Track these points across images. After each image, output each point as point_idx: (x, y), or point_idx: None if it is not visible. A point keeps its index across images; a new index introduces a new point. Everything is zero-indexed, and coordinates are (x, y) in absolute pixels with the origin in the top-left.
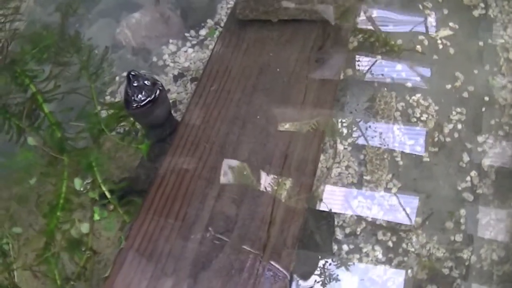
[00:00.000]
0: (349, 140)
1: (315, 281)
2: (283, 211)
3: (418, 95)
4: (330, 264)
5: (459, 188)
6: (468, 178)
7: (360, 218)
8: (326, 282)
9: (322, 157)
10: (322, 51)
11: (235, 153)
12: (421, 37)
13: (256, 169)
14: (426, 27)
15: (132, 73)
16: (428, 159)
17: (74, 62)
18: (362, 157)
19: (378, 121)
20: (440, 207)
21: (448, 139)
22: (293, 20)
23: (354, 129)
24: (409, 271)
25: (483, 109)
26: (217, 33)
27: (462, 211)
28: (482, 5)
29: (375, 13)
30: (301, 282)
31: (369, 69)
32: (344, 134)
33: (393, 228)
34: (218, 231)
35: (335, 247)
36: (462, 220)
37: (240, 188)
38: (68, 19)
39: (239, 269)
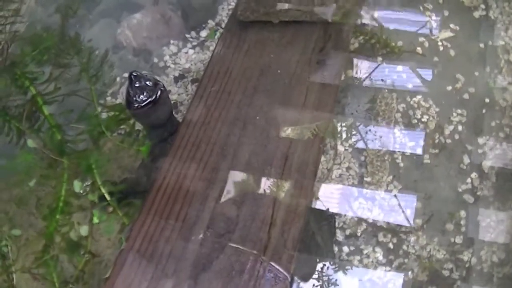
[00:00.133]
0: (350, 142)
1: (316, 282)
2: (283, 212)
3: (419, 97)
4: (330, 266)
5: (460, 190)
6: (469, 180)
7: (360, 220)
8: (326, 283)
9: (322, 158)
10: (323, 53)
11: (236, 155)
12: (421, 38)
13: (256, 170)
14: (427, 29)
15: (134, 74)
16: (428, 161)
17: (74, 64)
18: (362, 158)
19: (379, 123)
20: (441, 208)
21: (448, 141)
22: (294, 22)
23: (355, 130)
24: (410, 272)
25: (484, 111)
26: (218, 34)
27: (463, 213)
28: (482, 6)
29: (376, 14)
30: (301, 283)
31: (370, 70)
32: (344, 136)
33: (393, 229)
34: (218, 232)
35: (335, 248)
36: (462, 222)
37: (241, 190)
38: (68, 20)
39: (240, 270)
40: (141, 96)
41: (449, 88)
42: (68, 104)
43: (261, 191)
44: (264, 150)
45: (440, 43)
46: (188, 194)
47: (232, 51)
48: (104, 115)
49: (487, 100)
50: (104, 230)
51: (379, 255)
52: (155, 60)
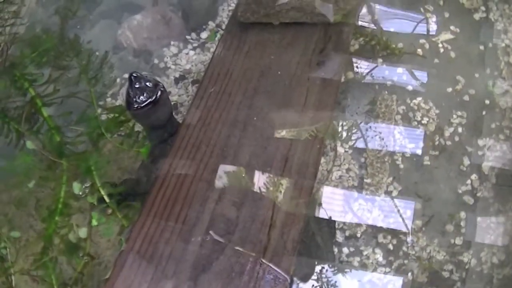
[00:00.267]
0: (350, 143)
1: (315, 283)
2: (283, 214)
3: (419, 99)
4: (330, 267)
5: (460, 192)
6: (469, 182)
7: (360, 221)
8: (326, 284)
9: (322, 160)
10: (323, 54)
11: (236, 156)
12: (422, 40)
13: (256, 172)
14: (427, 31)
15: (134, 75)
16: (428, 162)
17: (74, 66)
18: (362, 160)
19: (379, 124)
20: (441, 210)
21: (448, 143)
22: (295, 23)
23: (355, 132)
24: (410, 274)
25: (484, 113)
26: (218, 36)
27: (463, 214)
28: (483, 8)
29: (376, 16)
30: (301, 284)
31: (370, 72)
32: (344, 137)
33: (393, 231)
34: (218, 234)
35: (335, 249)
36: (462, 223)
37: (240, 191)
38: (67, 22)
39: (240, 272)
40: (141, 97)
41: (449, 89)
42: (67, 106)
43: (261, 192)
44: (264, 151)
45: (440, 45)
46: (188, 195)
47: (233, 53)
48: (103, 117)
49: (487, 102)
50: (103, 232)
51: (379, 257)
52: (156, 61)
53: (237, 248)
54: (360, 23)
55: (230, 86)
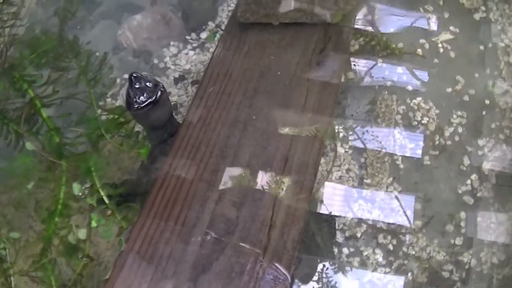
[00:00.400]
0: (350, 143)
1: (315, 284)
2: (283, 214)
3: (419, 99)
4: (330, 267)
5: (460, 192)
6: (469, 182)
7: (360, 221)
8: (326, 285)
9: (322, 160)
10: (323, 54)
11: (236, 156)
12: (422, 40)
13: (256, 172)
14: (427, 31)
15: (134, 75)
16: (428, 162)
17: (73, 67)
18: (362, 160)
19: (379, 124)
20: (441, 210)
21: (448, 143)
22: (294, 23)
23: (355, 132)
24: (410, 274)
25: (484, 113)
26: (218, 36)
27: (463, 214)
28: (483, 8)
29: (376, 16)
30: (301, 285)
31: (370, 72)
32: (344, 137)
33: (393, 231)
34: (218, 234)
35: (335, 250)
36: (462, 223)
37: (240, 191)
38: (67, 23)
39: (240, 272)
40: (141, 97)
41: (449, 90)
42: (66, 107)
43: (261, 192)
44: (264, 151)
45: (440, 45)
46: (188, 195)
47: (232, 53)
48: (103, 118)
49: (487, 102)
50: (102, 234)
51: (379, 257)
52: (155, 61)
53: (237, 248)
54: (360, 23)
55: (230, 86)
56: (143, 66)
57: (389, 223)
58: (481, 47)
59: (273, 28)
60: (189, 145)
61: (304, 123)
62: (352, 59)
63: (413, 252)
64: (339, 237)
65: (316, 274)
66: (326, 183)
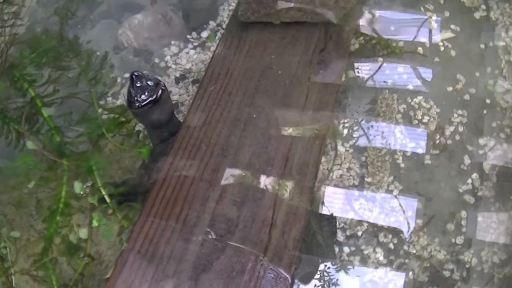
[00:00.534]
0: (351, 142)
1: (316, 283)
2: (284, 213)
3: (420, 98)
4: (331, 266)
5: (460, 191)
6: (469, 181)
7: (361, 220)
8: (327, 284)
9: (323, 159)
10: (324, 54)
11: (237, 155)
12: (422, 39)
13: (257, 171)
14: (428, 30)
15: (135, 74)
16: (429, 162)
17: (74, 66)
18: (363, 159)
19: (380, 123)
20: (441, 209)
21: (449, 142)
22: (295, 23)
23: (356, 131)
24: (410, 273)
25: (485, 112)
26: (218, 35)
27: (463, 214)
28: (483, 7)
29: (376, 15)
30: (302, 284)
31: (370, 71)
32: (345, 136)
33: (394, 230)
34: (219, 233)
35: (336, 249)
36: (463, 223)
37: (241, 190)
38: (67, 22)
39: (240, 271)
40: (143, 96)
41: (450, 88)
42: (67, 106)
43: (261, 192)
44: (264, 151)
45: (441, 44)
46: (188, 195)
47: (233, 52)
48: (104, 117)
49: (488, 101)
50: (103, 234)
51: (380, 256)
52: (156, 60)
53: (238, 247)
54: (360, 22)
55: (230, 86)
56: (143, 65)
57: (389, 222)
58: (482, 46)
59: (273, 27)
60: (189, 144)
61: (305, 122)
62: (352, 58)
63: (414, 251)
64: (340, 236)
65: (317, 273)
66: (327, 182)
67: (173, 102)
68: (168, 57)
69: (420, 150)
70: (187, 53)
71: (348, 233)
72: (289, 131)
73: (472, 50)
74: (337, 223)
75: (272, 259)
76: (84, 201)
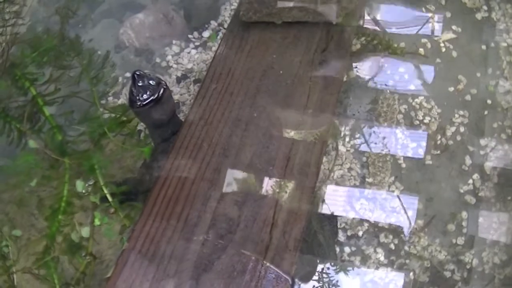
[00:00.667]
0: (352, 143)
1: (317, 283)
2: (285, 213)
3: (421, 98)
4: (332, 266)
5: (461, 191)
6: (471, 181)
7: (362, 220)
8: (327, 284)
9: (324, 159)
10: (326, 53)
11: (238, 155)
12: (424, 40)
13: (258, 171)
14: (429, 30)
15: (137, 73)
16: (430, 162)
17: (75, 65)
18: (364, 159)
19: (381, 124)
20: (442, 209)
21: (450, 142)
22: (297, 22)
23: (357, 131)
24: (411, 273)
25: (486, 112)
26: (220, 34)
27: (464, 214)
28: (485, 8)
29: (378, 15)
30: (303, 283)
31: (372, 71)
32: (346, 137)
33: (395, 230)
34: (220, 233)
35: (337, 249)
36: (464, 223)
37: (242, 190)
38: (68, 22)
39: (241, 271)
40: (144, 95)
41: (451, 89)
42: (69, 105)
43: (263, 191)
44: (266, 150)
45: (442, 44)
46: (189, 194)
47: (235, 52)
48: (105, 116)
49: (489, 102)
50: (105, 233)
51: (381, 256)
52: (157, 60)
53: (238, 247)
54: (362, 22)
55: (232, 85)
56: (145, 64)
57: (390, 222)
58: (483, 47)
59: (275, 27)
60: (191, 144)
61: (306, 122)
62: (354, 58)
63: (415, 252)
64: (341, 236)
65: (318, 273)
66: (328, 182)
67: (174, 101)
68: (169, 57)
69: (421, 151)
70: (189, 52)
71: (349, 233)
72: (290, 131)
73: (474, 50)
74: (338, 223)
75: (273, 259)
76: (86, 199)
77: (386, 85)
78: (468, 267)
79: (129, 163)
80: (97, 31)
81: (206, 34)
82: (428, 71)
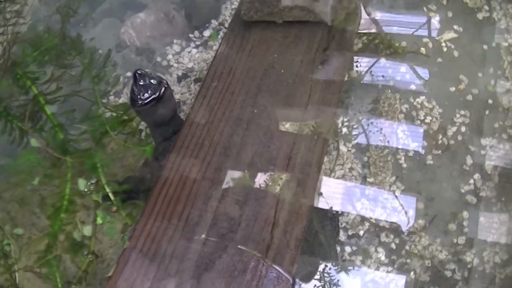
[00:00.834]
0: (353, 142)
1: (318, 282)
2: (286, 212)
3: (422, 98)
4: (333, 266)
5: (462, 191)
6: (471, 181)
7: (363, 220)
8: (328, 283)
9: (325, 158)
10: (327, 53)
11: (239, 154)
12: (425, 39)
13: (259, 170)
14: (431, 30)
15: (138, 72)
16: (431, 162)
17: (76, 64)
18: (365, 159)
19: (382, 123)
20: (443, 209)
21: (451, 142)
22: (298, 22)
23: (358, 131)
24: (412, 273)
25: (487, 112)
26: (221, 33)
27: (465, 214)
28: (486, 8)
29: (379, 15)
30: (304, 283)
31: (373, 71)
32: (347, 136)
33: (396, 230)
34: (221, 232)
35: (338, 248)
36: (465, 223)
37: (243, 189)
38: (69, 20)
39: (242, 270)
40: (145, 94)
41: (452, 89)
42: (71, 104)
43: (264, 191)
44: (267, 150)
45: (443, 44)
46: (191, 193)
47: (236, 51)
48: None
49: (490, 102)
50: (106, 231)
51: (382, 255)
52: (158, 59)
53: (240, 246)
54: (363, 22)
55: (233, 85)
56: (146, 64)
57: (391, 222)
58: (485, 47)
59: (276, 26)
60: (192, 143)
61: (307, 121)
62: (355, 57)
63: (416, 251)
64: (342, 236)
65: (319, 272)
66: (329, 181)
67: (175, 101)
68: (170, 56)
69: (422, 150)
70: (189, 52)
71: (350, 232)
72: (291, 130)
73: (475, 50)
74: (339, 222)
75: (274, 258)
76: (88, 198)
77: (387, 84)
78: (469, 266)
79: (131, 162)
80: (98, 30)
81: (207, 33)
82: (429, 71)
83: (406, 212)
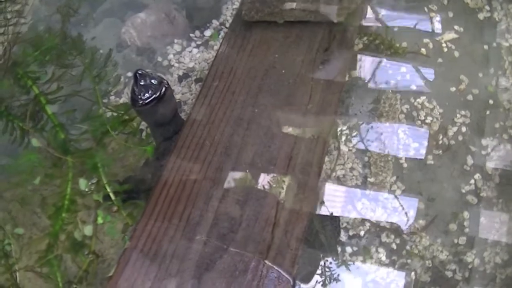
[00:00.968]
0: (353, 142)
1: (318, 282)
2: (287, 212)
3: (423, 98)
4: (333, 266)
5: (463, 191)
6: (472, 181)
7: (364, 220)
8: (329, 283)
9: (326, 159)
10: (328, 53)
11: (240, 154)
12: (426, 39)
13: (260, 170)
14: (431, 30)
15: (139, 72)
16: (432, 162)
17: (77, 64)
18: (366, 159)
19: (383, 123)
20: (444, 209)
21: (452, 142)
22: (299, 22)
23: (358, 131)
24: (413, 273)
25: (488, 112)
26: (222, 33)
27: (466, 214)
28: (487, 8)
29: (380, 15)
30: (304, 283)
31: (374, 71)
32: (348, 136)
33: (396, 230)
34: (222, 232)
35: (338, 248)
36: (465, 223)
37: (244, 189)
38: (69, 20)
39: (243, 270)
40: (146, 94)
41: (453, 89)
42: (72, 103)
43: (264, 191)
44: (268, 150)
45: (444, 44)
46: (191, 193)
47: (237, 51)
48: (107, 115)
49: (491, 102)
50: (107, 231)
51: (382, 256)
52: (159, 59)
53: (240, 246)
54: (364, 22)
55: (234, 84)
56: (146, 64)
57: (392, 222)
58: (485, 47)
59: (277, 26)
60: (193, 143)
61: (308, 121)
62: (356, 58)
63: (416, 251)
64: (343, 236)
65: (320, 272)
66: (330, 181)
67: (176, 100)
68: (171, 56)
69: (422, 151)
70: (190, 51)
71: (350, 233)
72: (292, 130)
73: (476, 50)
74: (340, 223)
75: (274, 259)
76: (89, 198)
77: (388, 84)
78: (469, 267)
79: (131, 162)
80: (99, 30)
81: (208, 33)
82: (430, 71)
83: (406, 212)
